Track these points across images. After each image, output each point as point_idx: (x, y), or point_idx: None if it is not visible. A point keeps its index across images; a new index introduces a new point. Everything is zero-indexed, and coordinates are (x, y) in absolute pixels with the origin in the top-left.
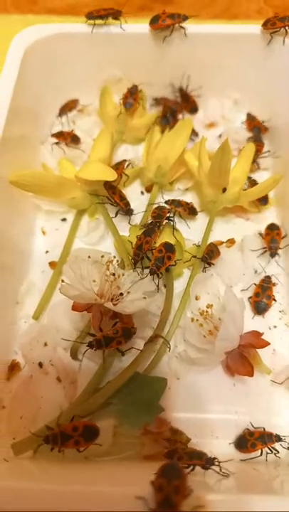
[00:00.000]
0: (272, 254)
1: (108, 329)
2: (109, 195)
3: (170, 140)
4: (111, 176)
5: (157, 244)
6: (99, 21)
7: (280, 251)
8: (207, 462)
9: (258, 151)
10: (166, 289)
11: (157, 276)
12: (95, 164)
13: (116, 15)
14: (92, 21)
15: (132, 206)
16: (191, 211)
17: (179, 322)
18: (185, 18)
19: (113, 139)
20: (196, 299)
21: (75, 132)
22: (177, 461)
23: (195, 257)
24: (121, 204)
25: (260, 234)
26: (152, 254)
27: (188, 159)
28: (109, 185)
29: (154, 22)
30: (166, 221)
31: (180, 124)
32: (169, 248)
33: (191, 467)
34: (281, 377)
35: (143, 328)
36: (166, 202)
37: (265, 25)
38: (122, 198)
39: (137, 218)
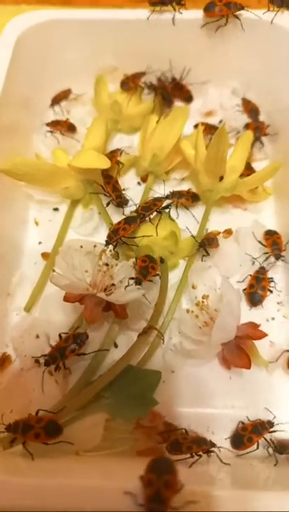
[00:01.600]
0: (277, 257)
1: (59, 341)
2: (104, 184)
3: (165, 128)
4: (105, 163)
5: (138, 237)
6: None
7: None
8: (212, 444)
9: (263, 129)
10: (160, 279)
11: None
12: (88, 152)
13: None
14: (152, 8)
15: (129, 197)
16: (193, 198)
17: (174, 314)
18: (241, 7)
19: (108, 127)
20: (193, 287)
21: (70, 121)
22: (187, 452)
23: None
24: (112, 195)
25: (260, 241)
26: (135, 262)
27: (184, 148)
28: (106, 174)
29: (209, 9)
30: (163, 211)
31: (176, 111)
32: (152, 259)
33: (199, 455)
34: (276, 363)
35: (137, 320)
36: (167, 196)
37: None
38: (116, 189)
39: (134, 209)
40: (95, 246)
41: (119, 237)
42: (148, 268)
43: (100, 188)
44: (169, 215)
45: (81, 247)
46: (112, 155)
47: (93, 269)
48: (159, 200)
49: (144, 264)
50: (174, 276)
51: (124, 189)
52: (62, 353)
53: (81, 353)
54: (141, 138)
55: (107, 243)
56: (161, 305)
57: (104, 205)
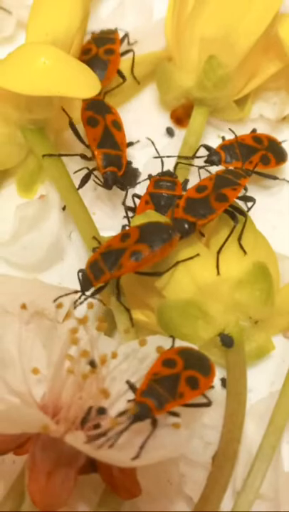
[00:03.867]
0: None
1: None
2: (87, 133)
3: None
4: (88, 84)
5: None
6: None
7: None
8: None
9: None
10: (226, 392)
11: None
12: (37, 50)
13: None
14: None
15: (142, 161)
16: (278, 157)
17: (262, 486)
18: None
19: None
20: None
21: None
22: None
23: None
24: (98, 160)
25: None
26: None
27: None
28: (93, 105)
29: None
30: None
31: None
32: (196, 359)
33: None
34: None
35: (160, 502)
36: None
37: None
38: (110, 143)
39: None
40: (58, 306)
41: (118, 272)
42: (178, 382)
43: (66, 142)
44: (244, 224)
45: (23, 306)
46: (105, 52)
47: (55, 366)
48: (228, 179)
49: (169, 369)
50: (260, 380)
51: (130, 143)
52: None
53: None
54: (172, 8)
55: (84, 288)
56: (228, 460)
57: (76, 186)
